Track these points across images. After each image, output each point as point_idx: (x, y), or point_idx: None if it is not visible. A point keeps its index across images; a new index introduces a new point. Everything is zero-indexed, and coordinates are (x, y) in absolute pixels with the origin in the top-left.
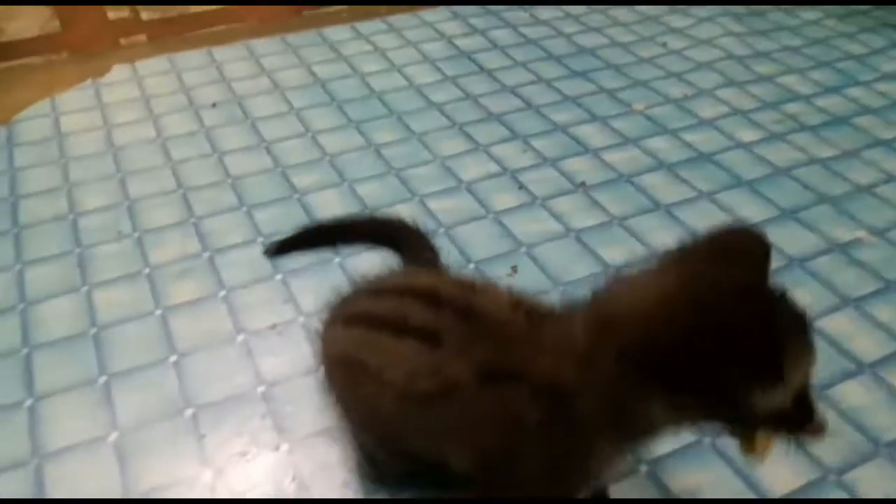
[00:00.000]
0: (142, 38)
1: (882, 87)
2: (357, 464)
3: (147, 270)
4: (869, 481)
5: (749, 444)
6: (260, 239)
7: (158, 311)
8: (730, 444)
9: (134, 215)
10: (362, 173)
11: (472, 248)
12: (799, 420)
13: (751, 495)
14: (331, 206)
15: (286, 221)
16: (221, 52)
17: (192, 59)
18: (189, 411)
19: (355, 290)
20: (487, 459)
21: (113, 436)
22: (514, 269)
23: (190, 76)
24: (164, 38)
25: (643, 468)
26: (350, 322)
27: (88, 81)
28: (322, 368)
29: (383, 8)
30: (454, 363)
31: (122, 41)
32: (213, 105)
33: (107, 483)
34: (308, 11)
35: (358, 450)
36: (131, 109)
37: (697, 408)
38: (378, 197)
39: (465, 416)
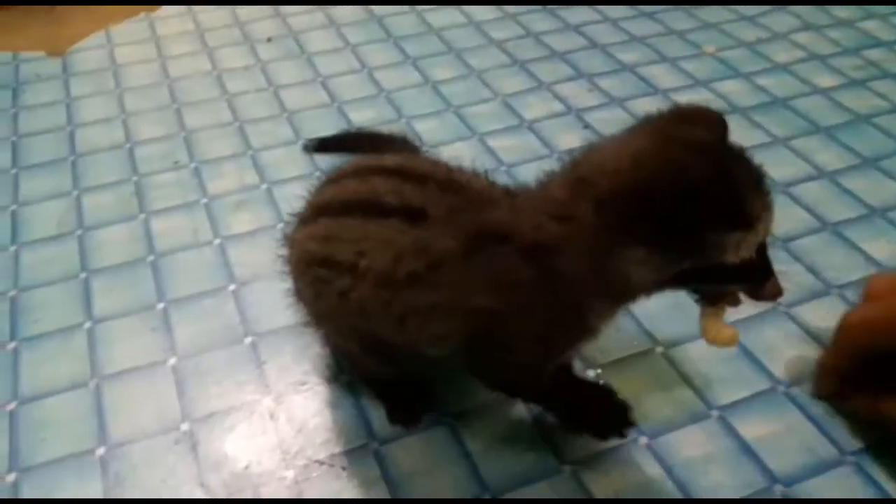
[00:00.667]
0: None
1: None
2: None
3: (205, 200)
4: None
5: (714, 329)
6: (317, 173)
7: (217, 241)
8: (801, 394)
9: (190, 146)
10: (420, 110)
11: None
12: (761, 276)
13: (824, 443)
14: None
15: (343, 157)
16: None
17: None
18: (248, 339)
19: (319, 184)
20: (481, 326)
21: (172, 360)
22: None
23: (244, 10)
24: None
25: (714, 413)
26: (318, 214)
27: (142, 14)
28: (290, 275)
29: None
30: (441, 236)
31: None
32: (269, 39)
33: (165, 405)
34: None
35: (333, 353)
36: (186, 42)
37: (668, 259)
38: (436, 134)
39: (454, 286)
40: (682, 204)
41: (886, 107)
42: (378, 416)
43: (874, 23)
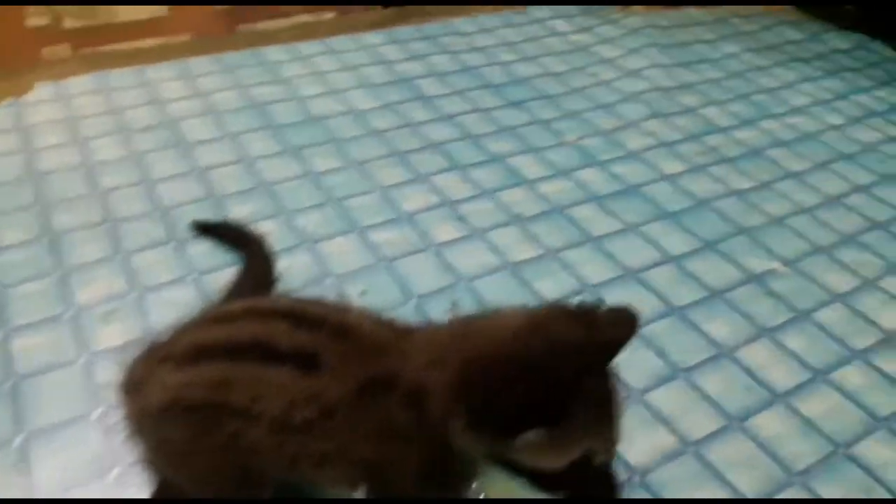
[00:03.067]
0: (65, 48)
1: (792, 119)
2: None
3: (71, 312)
4: None
5: None
6: (192, 276)
7: (82, 359)
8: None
9: (57, 250)
10: (301, 203)
11: (412, 281)
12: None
13: None
14: (268, 239)
15: (221, 256)
16: (154, 71)
17: (123, 78)
18: (115, 472)
19: (183, 325)
20: (372, 472)
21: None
22: (455, 304)
23: (120, 96)
24: (92, 56)
25: None
26: (195, 358)
27: (9, 100)
28: (137, 422)
29: (322, 28)
30: (334, 385)
31: (45, 52)
32: (146, 128)
33: None
34: (244, 27)
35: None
36: (56, 132)
37: (475, 441)
38: (318, 228)
39: (344, 436)
40: (487, 396)
41: (723, 190)
42: None
43: (714, 109)
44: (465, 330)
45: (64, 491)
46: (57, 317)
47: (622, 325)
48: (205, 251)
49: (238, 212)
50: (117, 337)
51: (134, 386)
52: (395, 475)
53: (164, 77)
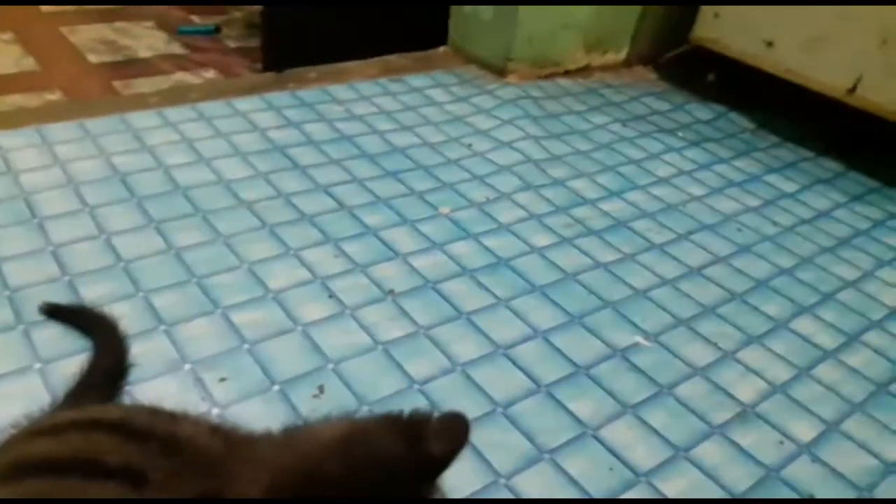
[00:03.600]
0: None
1: (656, 190)
2: None
3: None
4: None
5: None
6: (38, 365)
7: None
8: None
9: None
10: (160, 282)
11: (276, 366)
12: None
13: None
14: (121, 322)
15: (71, 344)
16: (9, 138)
17: None
18: None
19: (12, 436)
20: None
21: None
22: (321, 389)
23: None
24: None
25: None
26: (22, 474)
27: None
28: None
29: (194, 93)
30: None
31: None
32: None
33: None
34: (119, 82)
35: None
36: None
37: None
38: (176, 309)
39: None
40: None
41: (590, 263)
42: None
43: (583, 181)
44: (284, 441)
45: None
46: None
47: (451, 438)
48: (54, 336)
49: (91, 293)
50: None
51: None
52: None
53: (19, 144)
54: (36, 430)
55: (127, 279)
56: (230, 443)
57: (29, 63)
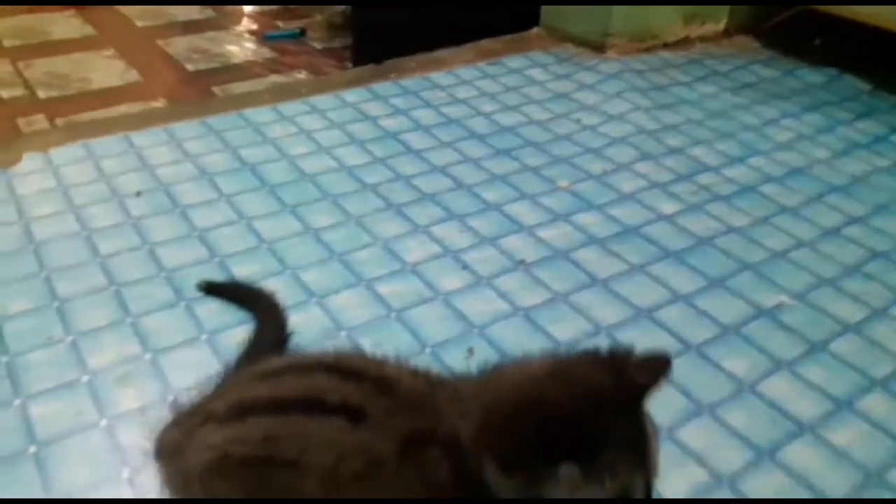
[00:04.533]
0: (40, 118)
1: (780, 156)
2: None
3: (86, 377)
4: None
5: None
6: (204, 336)
7: (104, 422)
8: None
9: (64, 317)
10: (304, 260)
11: (424, 331)
12: None
13: None
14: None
15: (230, 315)
16: (140, 138)
17: (109, 146)
18: None
19: (216, 387)
20: None
21: None
22: (471, 350)
23: (109, 163)
24: (71, 125)
25: None
26: (240, 415)
27: None
28: (181, 486)
29: (303, 88)
30: (380, 439)
31: (21, 122)
32: (138, 194)
33: None
34: (219, 89)
35: None
36: (49, 201)
37: (508, 480)
38: (323, 283)
39: (392, 489)
40: (518, 440)
41: (722, 228)
42: None
43: (701, 149)
44: (489, 378)
45: None
46: (72, 382)
47: (653, 369)
48: (214, 311)
49: (242, 271)
50: (135, 399)
51: (172, 451)
52: None
53: (149, 143)
54: (251, 375)
55: (273, 258)
56: (431, 384)
57: (133, 75)
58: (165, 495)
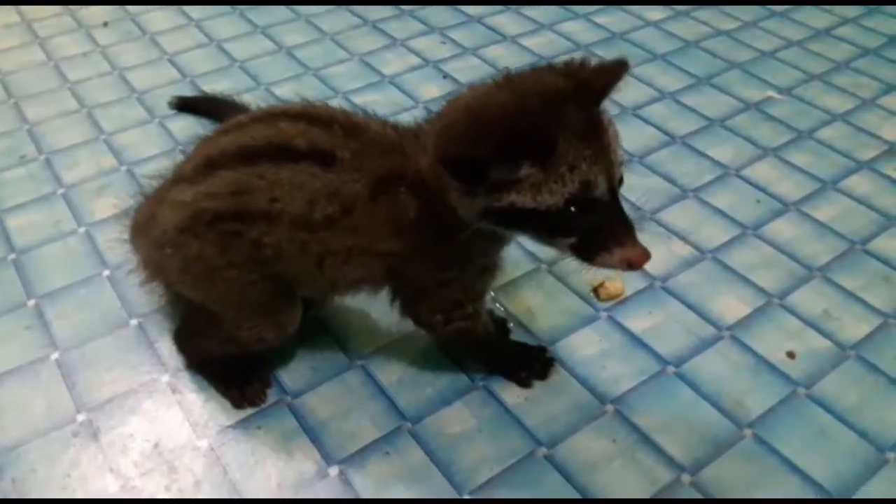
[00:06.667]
0: None
1: None
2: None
3: (62, 190)
4: (808, 300)
5: (600, 289)
6: (179, 147)
7: (82, 229)
8: (676, 286)
9: (36, 138)
10: (277, 76)
11: None
12: (595, 236)
13: (702, 324)
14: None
15: (204, 128)
16: None
17: None
18: (134, 321)
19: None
20: (393, 265)
21: (54, 355)
22: None
23: None
24: None
25: (603, 314)
26: (208, 169)
27: None
28: (156, 257)
29: None
30: (350, 181)
31: None
32: (105, 24)
33: (56, 400)
34: None
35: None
36: (13, 35)
37: (472, 195)
38: (299, 96)
39: (366, 230)
40: (471, 142)
41: (710, 32)
42: (287, 372)
43: None
44: (446, 107)
45: (81, 343)
46: (49, 195)
47: (609, 69)
48: (188, 125)
49: (214, 89)
50: (112, 208)
51: (144, 224)
52: (415, 267)
53: None
54: (220, 129)
55: (245, 75)
56: (399, 132)
57: None
58: (140, 277)
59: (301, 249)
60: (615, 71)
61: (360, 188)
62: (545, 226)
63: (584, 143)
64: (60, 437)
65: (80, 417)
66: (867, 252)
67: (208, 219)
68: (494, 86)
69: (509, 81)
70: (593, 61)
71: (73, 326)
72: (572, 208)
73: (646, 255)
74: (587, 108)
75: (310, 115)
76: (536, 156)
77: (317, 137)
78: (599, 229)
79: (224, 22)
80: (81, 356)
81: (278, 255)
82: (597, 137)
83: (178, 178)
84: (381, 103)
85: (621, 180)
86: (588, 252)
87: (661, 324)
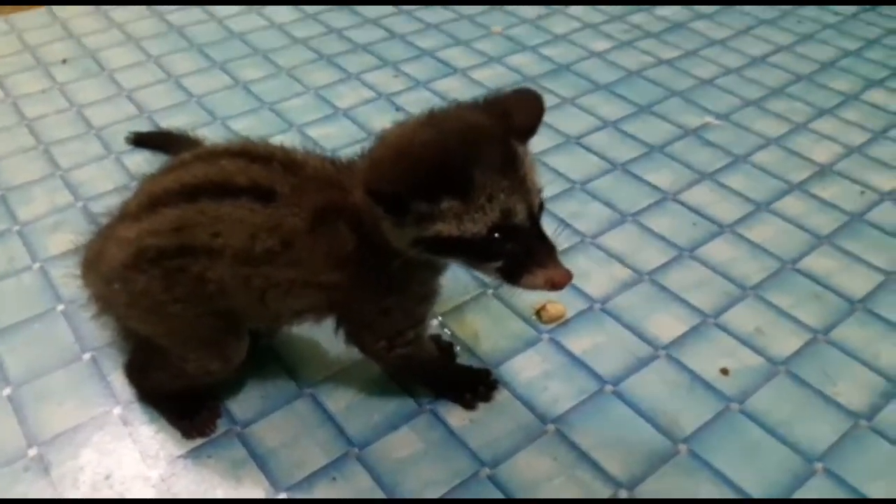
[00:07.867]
0: None
1: None
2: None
3: (17, 227)
4: (741, 319)
5: (542, 312)
6: (133, 183)
7: (36, 265)
8: (615, 308)
9: None
10: (234, 110)
11: None
12: (517, 260)
13: (640, 344)
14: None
15: (160, 163)
16: (65, 10)
17: (31, 19)
18: (87, 355)
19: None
20: (335, 297)
21: (6, 391)
22: None
23: (33, 35)
24: None
25: (545, 336)
26: (151, 208)
27: None
28: (104, 293)
29: None
30: (290, 215)
31: None
32: (64, 61)
33: (6, 436)
34: None
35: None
36: None
37: (402, 225)
38: (255, 130)
39: (306, 263)
40: (393, 178)
41: (652, 61)
42: (237, 401)
43: None
44: (374, 145)
45: (34, 378)
46: (4, 232)
47: (523, 101)
48: (144, 161)
49: (171, 124)
50: (67, 243)
51: (93, 260)
52: (356, 296)
53: (75, 13)
54: (163, 167)
55: (202, 110)
56: (337, 166)
57: None
58: (92, 313)
59: (244, 283)
60: (528, 101)
61: (300, 222)
62: (472, 252)
63: (500, 175)
64: (10, 473)
65: (31, 452)
66: (798, 270)
67: (152, 255)
68: (418, 123)
69: (432, 118)
70: (510, 95)
71: (26, 362)
72: (496, 235)
73: (567, 275)
74: (504, 142)
75: (250, 153)
76: (455, 190)
77: (257, 174)
78: (522, 253)
79: (183, 58)
80: (34, 391)
81: (222, 289)
82: (513, 169)
83: (123, 215)
84: (335, 136)
85: (541, 206)
86: (513, 275)
87: (600, 344)
